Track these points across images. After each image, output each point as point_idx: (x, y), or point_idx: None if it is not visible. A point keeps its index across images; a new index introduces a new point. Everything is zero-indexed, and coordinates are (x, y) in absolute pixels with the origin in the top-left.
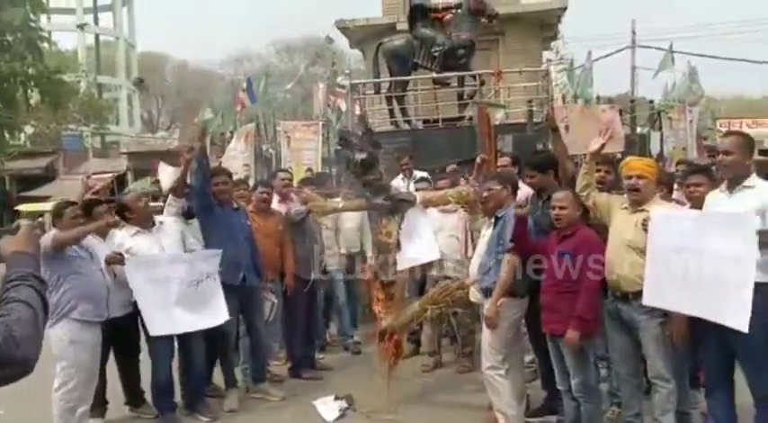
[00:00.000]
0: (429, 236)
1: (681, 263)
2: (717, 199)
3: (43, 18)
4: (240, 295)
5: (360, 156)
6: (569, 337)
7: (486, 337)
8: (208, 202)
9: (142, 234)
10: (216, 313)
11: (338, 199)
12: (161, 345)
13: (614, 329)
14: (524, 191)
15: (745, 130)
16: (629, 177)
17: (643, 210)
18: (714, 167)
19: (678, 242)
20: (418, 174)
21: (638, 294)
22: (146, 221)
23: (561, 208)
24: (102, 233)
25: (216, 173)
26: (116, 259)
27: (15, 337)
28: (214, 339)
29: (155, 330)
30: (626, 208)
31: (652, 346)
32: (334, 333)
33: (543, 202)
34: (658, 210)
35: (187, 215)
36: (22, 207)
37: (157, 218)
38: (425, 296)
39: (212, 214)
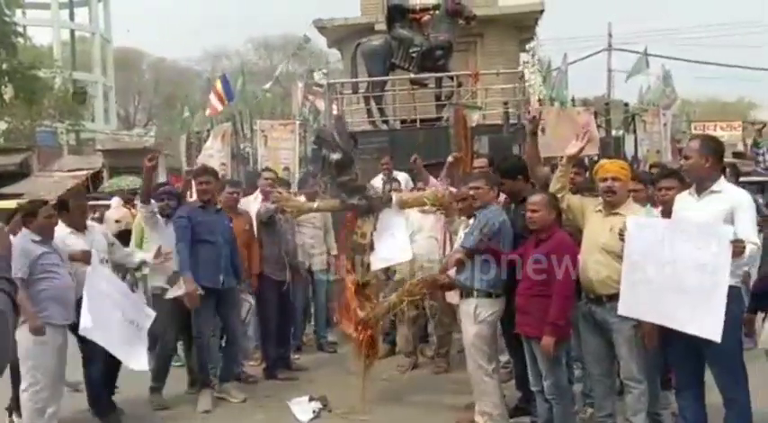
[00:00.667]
0: (403, 237)
1: (655, 273)
2: (685, 202)
3: (18, 13)
4: (218, 297)
5: (335, 156)
6: (545, 343)
7: (468, 337)
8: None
9: (75, 235)
10: (135, 358)
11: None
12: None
13: (588, 331)
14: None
15: (719, 133)
16: (605, 179)
17: (617, 213)
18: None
19: (652, 251)
20: (399, 174)
21: (612, 297)
22: (79, 223)
23: (534, 211)
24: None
25: (200, 173)
26: (84, 257)
27: None
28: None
29: (85, 329)
30: (600, 210)
31: (625, 347)
32: (309, 333)
33: (516, 205)
34: (633, 218)
35: (167, 215)
36: None
37: (89, 222)
38: (401, 289)
39: (193, 220)
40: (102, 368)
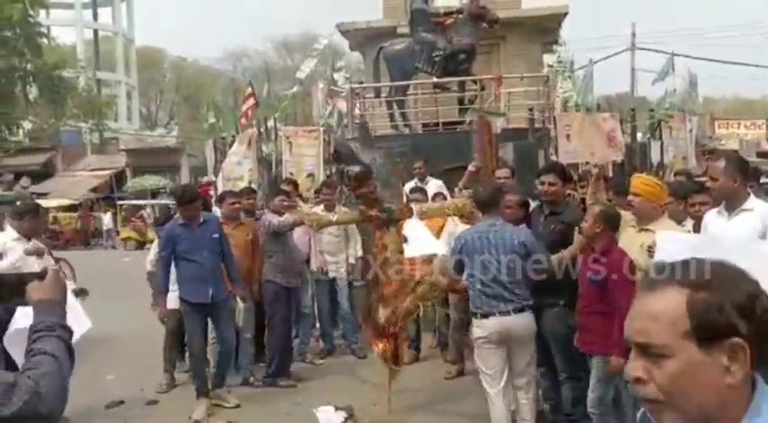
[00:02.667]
0: (429, 236)
1: None
2: (715, 222)
3: (42, 13)
4: (209, 310)
5: (353, 169)
6: (615, 364)
7: (521, 357)
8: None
9: (21, 242)
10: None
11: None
12: None
13: None
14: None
15: (742, 131)
16: (630, 194)
17: (648, 229)
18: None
19: None
20: (433, 181)
21: None
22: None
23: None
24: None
25: (185, 197)
26: (40, 252)
27: (41, 394)
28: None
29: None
30: (633, 225)
31: None
32: (329, 337)
33: (546, 217)
34: (663, 233)
35: None
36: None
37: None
38: (414, 293)
39: (175, 242)
40: None
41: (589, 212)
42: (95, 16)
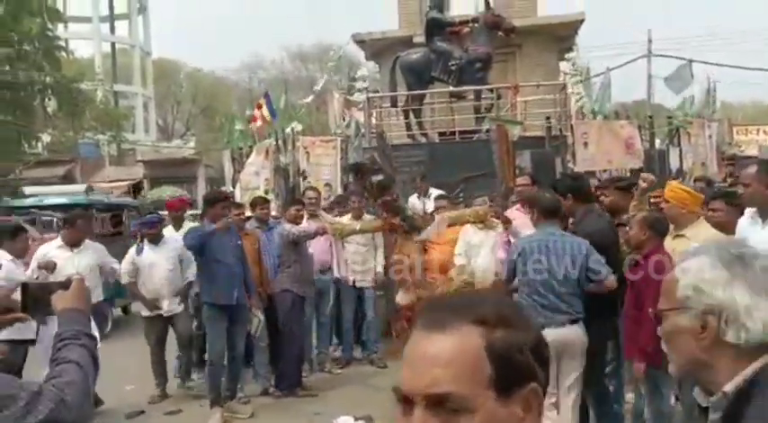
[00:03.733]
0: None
1: None
2: (749, 229)
3: (60, 27)
4: (230, 314)
5: (376, 177)
6: (636, 368)
7: (570, 371)
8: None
9: (64, 249)
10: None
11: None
12: None
13: None
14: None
15: (761, 137)
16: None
17: (683, 235)
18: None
19: None
20: (434, 191)
21: None
22: (72, 241)
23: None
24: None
25: (218, 199)
26: (49, 266)
27: (66, 402)
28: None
29: None
30: (672, 238)
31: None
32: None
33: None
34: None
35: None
36: None
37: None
38: (451, 284)
39: (205, 244)
40: None
41: (633, 220)
42: (113, 29)
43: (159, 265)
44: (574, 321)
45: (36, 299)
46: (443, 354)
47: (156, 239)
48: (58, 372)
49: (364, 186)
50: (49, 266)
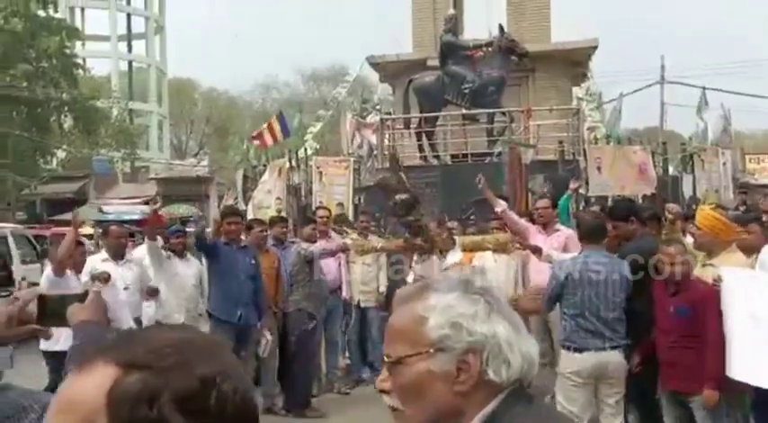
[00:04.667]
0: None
1: (760, 331)
2: None
3: (78, 45)
4: (235, 333)
5: (401, 197)
6: (709, 396)
7: (611, 395)
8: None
9: (110, 263)
10: None
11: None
12: None
13: None
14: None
15: None
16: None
17: (711, 264)
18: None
19: (753, 308)
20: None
21: None
22: (117, 253)
23: (674, 264)
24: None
25: (227, 214)
26: (103, 276)
27: None
28: None
29: None
30: (702, 265)
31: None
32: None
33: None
34: (727, 272)
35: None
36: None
37: (132, 252)
38: None
39: (216, 252)
40: None
41: (668, 249)
42: (130, 48)
43: (185, 277)
44: (615, 347)
45: (52, 311)
46: (71, 396)
47: (182, 253)
48: None
49: (389, 204)
50: (103, 277)
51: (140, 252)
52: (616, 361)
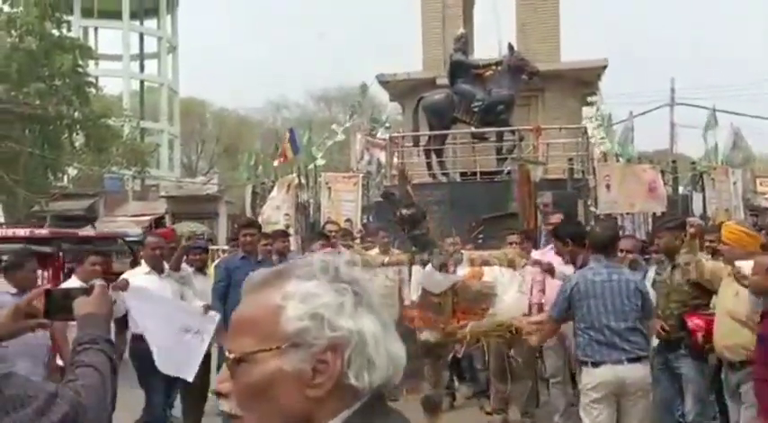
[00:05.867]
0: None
1: None
2: None
3: (91, 64)
4: None
5: (407, 211)
6: None
7: (635, 415)
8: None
9: (154, 275)
10: (187, 370)
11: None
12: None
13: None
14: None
15: None
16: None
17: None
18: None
19: None
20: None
21: (744, 363)
22: (156, 265)
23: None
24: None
25: (245, 225)
26: (122, 285)
27: (83, 405)
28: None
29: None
30: (730, 275)
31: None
32: None
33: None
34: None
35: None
36: None
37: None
38: (478, 323)
39: (233, 268)
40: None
41: (758, 264)
42: (142, 68)
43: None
44: (634, 359)
45: (58, 305)
46: None
47: (201, 269)
48: (76, 375)
49: (395, 217)
50: (119, 286)
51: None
52: (637, 375)
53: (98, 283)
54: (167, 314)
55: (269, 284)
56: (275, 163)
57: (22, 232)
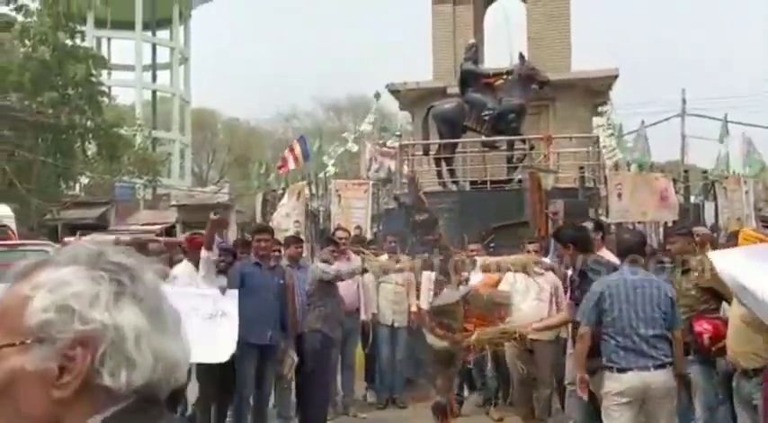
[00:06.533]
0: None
1: None
2: None
3: (104, 74)
4: (262, 353)
5: (420, 217)
6: None
7: (661, 416)
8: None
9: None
10: (220, 351)
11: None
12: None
13: (740, 407)
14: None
15: None
16: None
17: None
18: None
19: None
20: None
21: (757, 371)
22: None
23: None
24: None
25: (259, 230)
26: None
27: None
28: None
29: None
30: None
31: None
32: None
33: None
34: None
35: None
36: None
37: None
38: (483, 330)
39: (245, 273)
40: None
41: None
42: (154, 78)
43: None
44: (660, 366)
45: None
46: None
47: (225, 272)
48: None
49: (407, 223)
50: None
51: (179, 270)
52: (661, 380)
53: None
54: (189, 305)
55: (27, 273)
56: (280, 172)
57: None
